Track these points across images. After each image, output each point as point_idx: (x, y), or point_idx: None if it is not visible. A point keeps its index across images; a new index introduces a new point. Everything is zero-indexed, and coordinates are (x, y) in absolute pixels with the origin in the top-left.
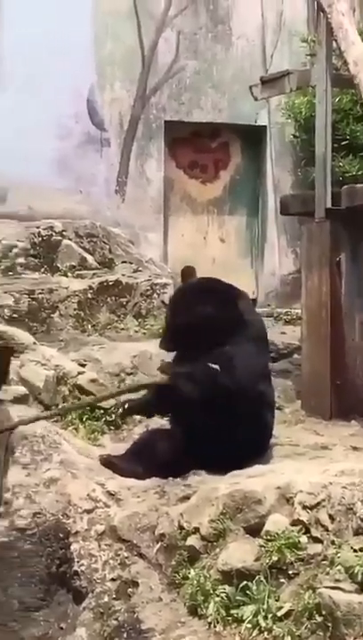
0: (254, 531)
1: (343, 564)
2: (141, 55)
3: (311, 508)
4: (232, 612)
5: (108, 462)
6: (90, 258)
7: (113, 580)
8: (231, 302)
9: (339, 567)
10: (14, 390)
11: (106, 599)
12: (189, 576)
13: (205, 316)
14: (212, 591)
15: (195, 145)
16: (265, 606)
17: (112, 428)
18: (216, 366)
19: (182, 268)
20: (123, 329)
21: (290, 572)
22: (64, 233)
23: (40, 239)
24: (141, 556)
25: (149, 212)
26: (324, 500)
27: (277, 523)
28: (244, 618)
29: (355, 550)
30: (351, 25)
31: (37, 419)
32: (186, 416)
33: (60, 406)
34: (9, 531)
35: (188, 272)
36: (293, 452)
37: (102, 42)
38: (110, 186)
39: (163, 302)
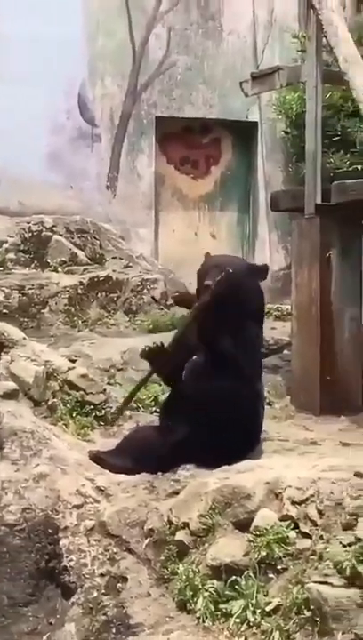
0: (242, 526)
1: (332, 558)
2: (132, 51)
3: (300, 503)
4: (221, 606)
5: (98, 458)
6: (80, 253)
7: (102, 575)
8: (262, 295)
9: (327, 562)
10: (4, 386)
11: (95, 594)
12: (178, 571)
13: (250, 292)
14: (200, 586)
15: (186, 141)
16: (254, 601)
17: (102, 423)
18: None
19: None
20: (113, 324)
21: (279, 567)
22: (54, 228)
23: (30, 234)
24: (130, 551)
25: (139, 208)
26: (313, 496)
27: (266, 518)
28: (232, 613)
29: (343, 545)
30: (341, 21)
31: None
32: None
33: (49, 402)
34: None
35: None
36: (282, 448)
37: (93, 37)
38: (101, 181)
39: (153, 298)
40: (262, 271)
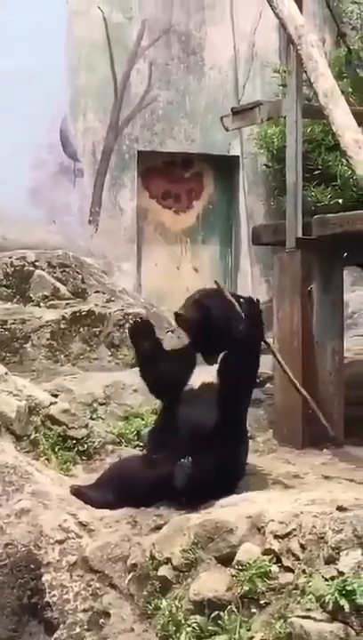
0: (225, 560)
1: (314, 592)
2: (114, 86)
3: (283, 537)
4: None
5: (80, 492)
6: (63, 288)
7: (85, 610)
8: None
9: (310, 596)
10: None
11: (78, 630)
12: (161, 606)
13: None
14: (183, 621)
15: (168, 175)
16: (237, 636)
17: (84, 458)
18: None
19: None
20: (95, 359)
21: (261, 602)
22: (37, 263)
23: (13, 269)
24: (112, 586)
25: (122, 242)
26: (295, 530)
27: (248, 552)
28: None
29: (326, 579)
30: (321, 56)
31: None
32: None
33: (31, 437)
34: None
35: None
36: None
37: (75, 72)
38: (84, 216)
39: None
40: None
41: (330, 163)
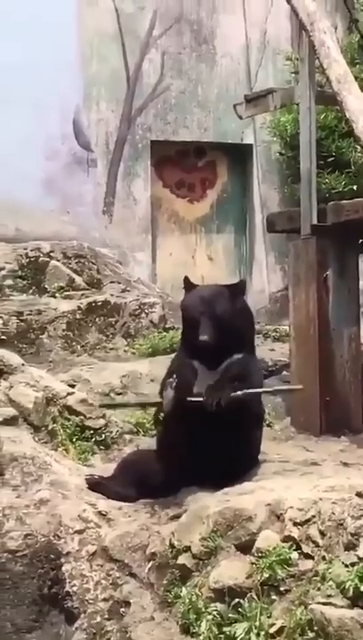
0: (245, 548)
1: (335, 579)
2: (126, 75)
3: (302, 524)
4: (224, 629)
5: (98, 485)
6: (78, 278)
7: (105, 600)
8: (250, 313)
9: (330, 583)
10: (3, 412)
11: (98, 619)
12: (181, 595)
13: (245, 319)
14: (204, 609)
15: (181, 164)
16: (257, 623)
17: (102, 447)
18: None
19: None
20: (112, 349)
21: (282, 589)
22: (52, 254)
23: (28, 260)
24: (132, 575)
25: (136, 232)
26: (314, 516)
27: (268, 539)
28: (236, 635)
29: (346, 565)
30: (333, 42)
31: None
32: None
33: (49, 427)
34: (0, 553)
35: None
36: (283, 469)
37: (88, 63)
38: (98, 206)
39: (151, 322)
40: (241, 289)
41: (344, 149)
